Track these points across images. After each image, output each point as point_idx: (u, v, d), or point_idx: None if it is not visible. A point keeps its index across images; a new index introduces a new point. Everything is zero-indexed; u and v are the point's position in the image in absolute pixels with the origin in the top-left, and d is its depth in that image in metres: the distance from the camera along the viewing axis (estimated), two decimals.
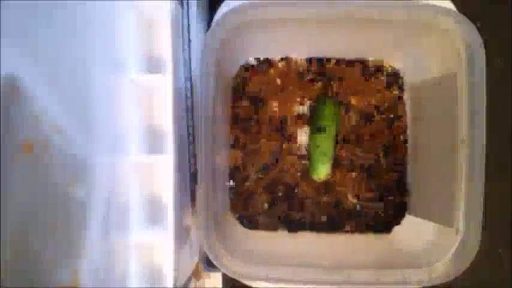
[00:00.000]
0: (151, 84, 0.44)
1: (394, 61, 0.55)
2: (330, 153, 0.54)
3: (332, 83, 0.56)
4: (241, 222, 0.55)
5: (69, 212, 0.32)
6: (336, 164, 0.55)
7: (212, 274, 0.55)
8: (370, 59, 0.56)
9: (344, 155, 0.56)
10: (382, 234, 0.55)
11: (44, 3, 0.29)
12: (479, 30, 0.40)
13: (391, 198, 0.55)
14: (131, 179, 0.43)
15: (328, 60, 0.56)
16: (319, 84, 0.56)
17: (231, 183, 0.55)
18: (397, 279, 0.42)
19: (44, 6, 0.29)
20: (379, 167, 0.56)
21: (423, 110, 0.53)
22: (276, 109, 0.56)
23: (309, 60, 0.56)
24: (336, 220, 0.56)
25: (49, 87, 0.29)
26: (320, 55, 0.56)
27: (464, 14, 0.41)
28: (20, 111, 0.26)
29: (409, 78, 0.55)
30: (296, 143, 0.56)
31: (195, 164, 0.51)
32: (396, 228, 0.55)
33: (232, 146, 0.56)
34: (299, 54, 0.56)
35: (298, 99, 0.56)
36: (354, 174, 0.56)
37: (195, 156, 0.51)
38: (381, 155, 0.56)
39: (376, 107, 0.56)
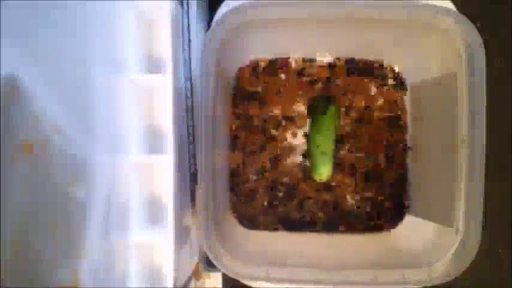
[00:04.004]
0: (151, 84, 0.44)
1: (394, 61, 0.55)
2: (330, 153, 0.54)
3: (332, 83, 0.56)
4: (241, 222, 0.55)
5: (69, 212, 0.32)
6: (336, 164, 0.55)
7: (212, 274, 0.55)
8: (370, 59, 0.56)
9: (344, 155, 0.56)
10: (382, 234, 0.55)
11: (44, 3, 0.29)
12: (479, 30, 0.40)
13: (391, 198, 0.55)
14: (131, 179, 0.43)
15: (329, 60, 0.56)
16: (319, 84, 0.56)
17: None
18: (396, 279, 0.42)
19: (44, 6, 0.29)
20: (379, 167, 0.55)
21: (423, 110, 0.53)
22: (276, 109, 0.56)
23: (309, 60, 0.56)
24: (335, 220, 0.56)
25: (49, 87, 0.29)
26: (320, 55, 0.56)
27: (464, 14, 0.41)
28: (20, 111, 0.26)
29: (409, 78, 0.55)
30: (296, 143, 0.56)
31: (195, 164, 0.51)
32: (396, 228, 0.55)
33: (232, 146, 0.56)
34: (299, 54, 0.56)
35: (298, 99, 0.56)
36: (353, 174, 0.56)
37: (195, 156, 0.51)
38: (381, 155, 0.56)
39: (376, 107, 0.56)
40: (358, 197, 0.56)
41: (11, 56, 0.25)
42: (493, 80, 0.45)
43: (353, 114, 0.56)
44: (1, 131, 0.24)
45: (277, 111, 0.56)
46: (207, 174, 0.43)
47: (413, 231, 0.52)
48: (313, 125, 0.55)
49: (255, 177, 0.56)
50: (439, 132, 0.48)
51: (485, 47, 0.41)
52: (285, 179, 0.56)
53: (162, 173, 0.44)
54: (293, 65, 0.56)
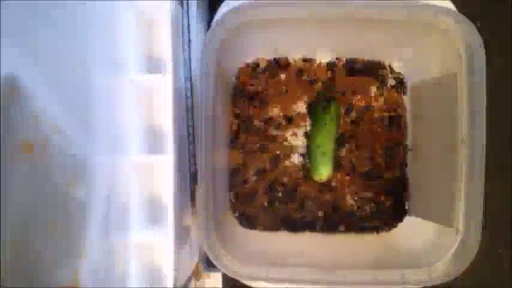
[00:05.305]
0: (151, 84, 0.44)
1: (394, 61, 0.55)
2: (331, 153, 0.54)
3: (332, 83, 0.56)
4: (241, 223, 0.55)
5: (69, 212, 0.32)
6: (336, 164, 0.55)
7: (212, 274, 0.55)
8: (370, 59, 0.56)
9: (344, 155, 0.56)
10: (382, 234, 0.55)
11: (44, 3, 0.29)
12: (479, 30, 0.40)
13: (391, 198, 0.55)
14: (131, 179, 0.43)
15: (328, 60, 0.56)
16: (319, 84, 0.56)
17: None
18: (396, 279, 0.42)
19: (44, 6, 0.29)
20: (379, 167, 0.55)
21: (423, 110, 0.53)
22: (276, 109, 0.56)
23: (309, 60, 0.56)
24: (335, 220, 0.56)
25: (49, 87, 0.29)
26: (320, 55, 0.56)
27: (464, 14, 0.41)
28: (20, 111, 0.26)
29: (409, 78, 0.55)
30: (296, 143, 0.56)
31: (195, 164, 0.51)
32: (396, 228, 0.55)
33: (232, 146, 0.56)
34: (299, 54, 0.56)
35: (298, 99, 0.56)
36: (353, 174, 0.56)
37: (195, 156, 0.51)
38: (381, 155, 0.56)
39: (376, 107, 0.56)
40: (358, 197, 0.56)
41: (11, 56, 0.25)
42: (493, 80, 0.45)
43: (353, 114, 0.56)
44: (1, 131, 0.24)
45: (277, 111, 0.56)
46: (207, 174, 0.43)
47: (413, 231, 0.52)
48: (313, 125, 0.55)
49: (255, 177, 0.56)
50: (439, 132, 0.48)
51: (485, 47, 0.41)
52: (285, 179, 0.56)
53: (162, 173, 0.44)
54: (293, 65, 0.56)
